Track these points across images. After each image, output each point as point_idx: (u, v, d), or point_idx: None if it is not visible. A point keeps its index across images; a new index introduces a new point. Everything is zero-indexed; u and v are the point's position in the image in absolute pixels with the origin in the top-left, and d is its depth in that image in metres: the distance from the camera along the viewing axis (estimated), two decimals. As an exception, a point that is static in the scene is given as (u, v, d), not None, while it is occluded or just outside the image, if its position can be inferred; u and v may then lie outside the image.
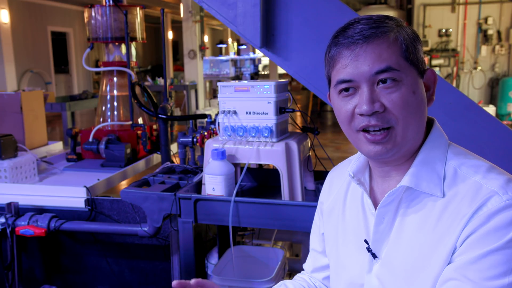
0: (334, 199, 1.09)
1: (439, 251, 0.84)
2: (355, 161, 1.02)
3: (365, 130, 0.88)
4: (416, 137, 0.90)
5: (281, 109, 1.78)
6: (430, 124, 0.95)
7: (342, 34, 0.88)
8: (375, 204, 0.95)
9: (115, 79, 2.95)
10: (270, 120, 1.75)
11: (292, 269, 2.17)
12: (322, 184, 1.21)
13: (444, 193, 0.86)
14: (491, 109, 8.58)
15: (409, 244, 0.88)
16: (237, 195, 1.73)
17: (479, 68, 9.08)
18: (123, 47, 2.91)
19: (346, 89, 0.88)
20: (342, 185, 1.08)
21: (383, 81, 0.85)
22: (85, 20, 2.89)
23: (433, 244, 0.85)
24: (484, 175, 0.85)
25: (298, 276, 1.26)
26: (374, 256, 0.93)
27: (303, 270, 1.27)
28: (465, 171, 0.87)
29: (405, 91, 0.85)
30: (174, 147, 2.82)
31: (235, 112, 1.79)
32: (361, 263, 0.96)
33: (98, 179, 2.39)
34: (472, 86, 9.18)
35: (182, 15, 10.37)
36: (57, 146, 3.17)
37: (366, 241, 0.95)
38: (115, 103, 2.97)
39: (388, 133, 0.86)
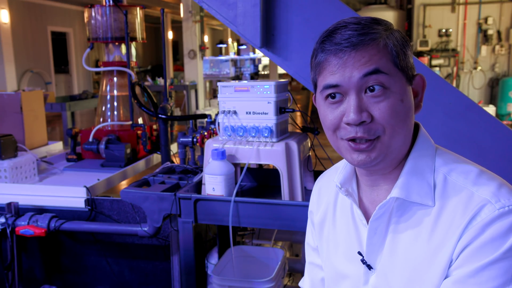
0: (324, 209, 1.06)
1: (435, 263, 0.83)
2: (341, 171, 0.99)
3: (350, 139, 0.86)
4: (403, 146, 0.88)
5: (281, 109, 1.78)
6: (415, 128, 0.93)
7: (329, 40, 0.85)
8: (365, 214, 0.94)
9: (115, 79, 2.95)
10: (270, 120, 1.75)
11: (292, 269, 2.17)
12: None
13: (435, 202, 0.85)
14: (491, 109, 8.57)
15: (404, 255, 0.87)
16: (237, 195, 1.73)
17: (479, 68, 9.08)
18: (123, 47, 2.91)
19: (333, 96, 0.85)
20: (330, 195, 1.06)
21: (371, 89, 0.83)
22: (85, 20, 2.89)
23: (429, 256, 0.84)
24: (475, 182, 0.83)
25: None
26: (369, 267, 0.92)
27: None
28: (455, 177, 0.85)
29: (394, 100, 0.83)
30: (174, 147, 2.82)
31: (235, 112, 1.79)
32: (355, 275, 0.95)
33: (98, 179, 2.39)
34: (472, 86, 9.18)
35: (182, 15, 10.38)
36: (57, 146, 3.17)
37: (360, 253, 0.93)
38: (115, 103, 2.97)
39: (373, 142, 0.84)
